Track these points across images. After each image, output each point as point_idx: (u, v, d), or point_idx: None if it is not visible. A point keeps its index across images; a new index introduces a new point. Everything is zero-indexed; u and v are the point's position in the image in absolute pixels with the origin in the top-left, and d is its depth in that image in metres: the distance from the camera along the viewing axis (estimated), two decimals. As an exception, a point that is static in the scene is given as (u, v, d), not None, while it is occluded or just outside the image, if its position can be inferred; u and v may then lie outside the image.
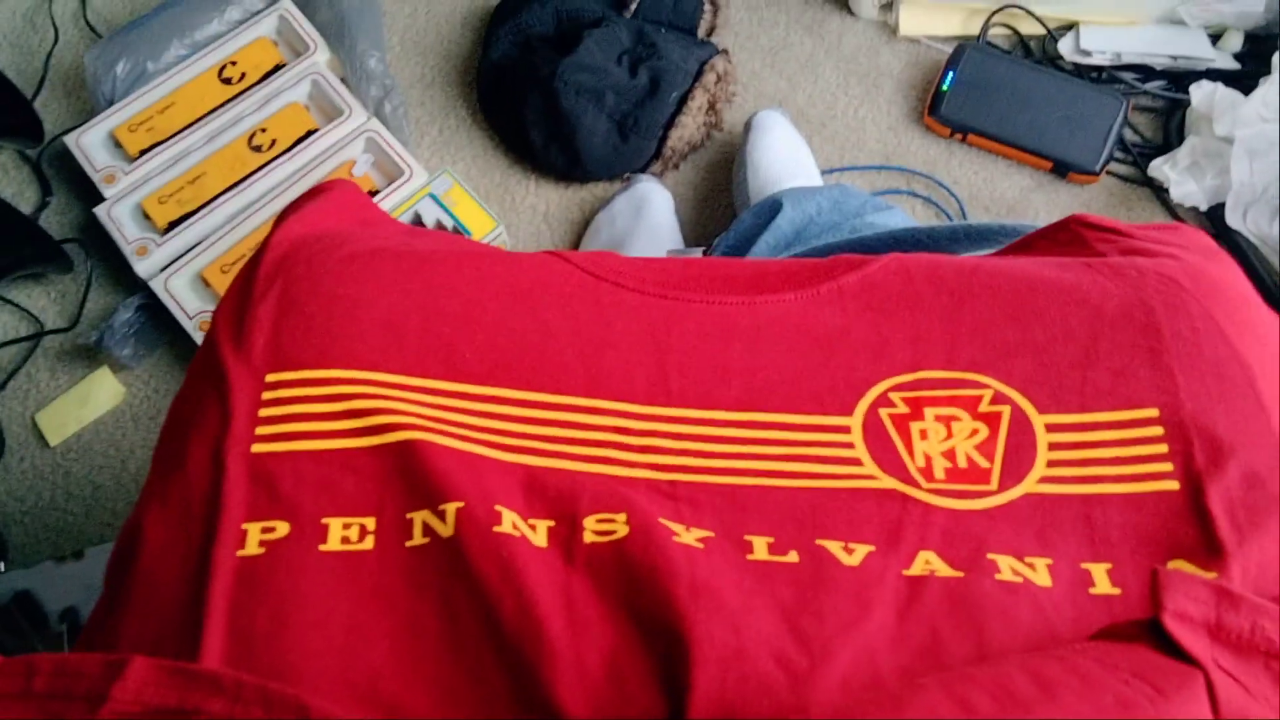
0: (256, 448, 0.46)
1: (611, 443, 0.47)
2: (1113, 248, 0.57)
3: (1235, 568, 0.42)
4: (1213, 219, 1.22)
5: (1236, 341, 0.49)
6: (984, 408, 0.49)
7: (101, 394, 1.21)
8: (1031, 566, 0.44)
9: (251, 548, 0.43)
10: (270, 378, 0.48)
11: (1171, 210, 1.24)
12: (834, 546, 0.44)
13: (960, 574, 0.43)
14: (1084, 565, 0.44)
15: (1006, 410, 0.48)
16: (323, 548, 0.42)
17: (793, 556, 0.43)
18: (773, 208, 0.98)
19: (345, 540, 0.43)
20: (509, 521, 0.42)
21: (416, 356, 0.49)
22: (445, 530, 0.42)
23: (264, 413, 0.47)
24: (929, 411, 0.49)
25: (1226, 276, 0.53)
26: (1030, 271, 0.54)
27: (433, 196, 1.22)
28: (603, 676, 0.39)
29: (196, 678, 0.37)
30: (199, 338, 1.16)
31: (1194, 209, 1.22)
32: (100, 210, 1.20)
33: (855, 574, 0.43)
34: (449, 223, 1.21)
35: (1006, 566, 0.43)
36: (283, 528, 0.43)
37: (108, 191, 1.21)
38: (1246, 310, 0.52)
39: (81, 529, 1.17)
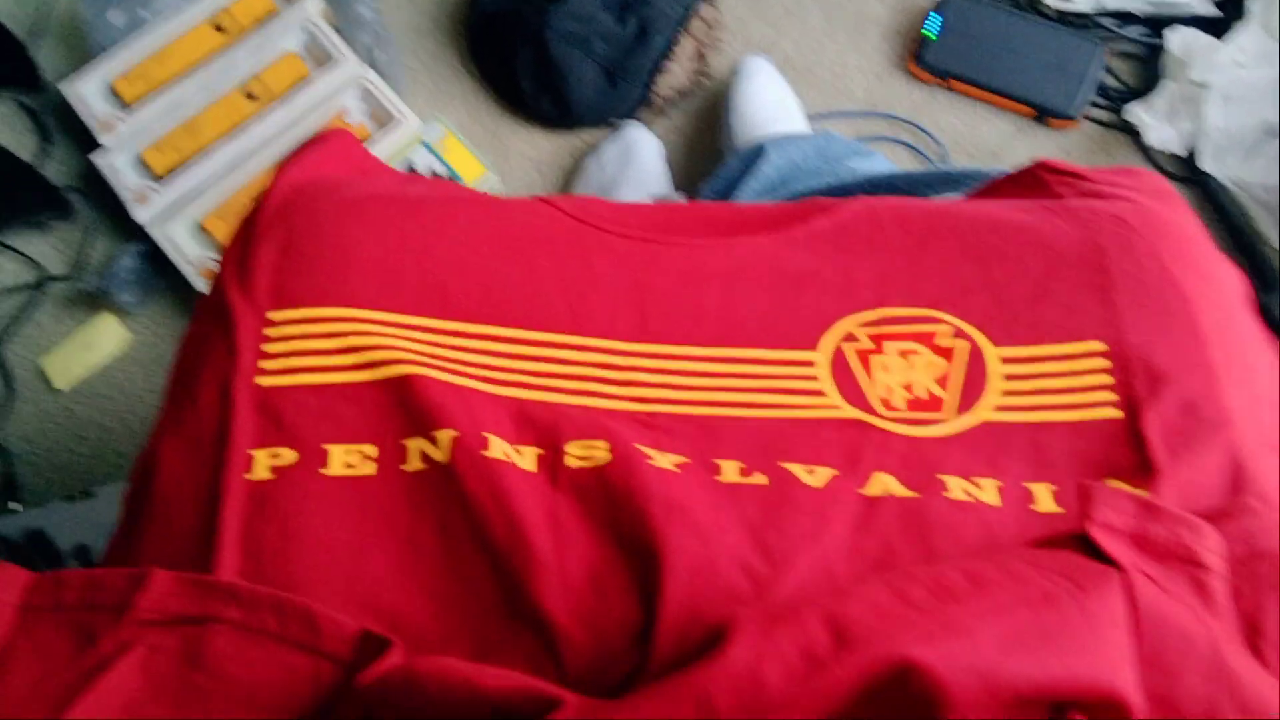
0: (261, 380, 0.49)
1: (596, 377, 0.51)
2: (1072, 191, 0.60)
3: (1166, 486, 0.46)
4: (1188, 163, 1.24)
5: (1180, 278, 0.52)
6: (942, 341, 0.52)
7: (106, 339, 1.24)
8: (980, 487, 0.47)
9: (260, 472, 0.46)
10: (272, 315, 0.51)
11: (1148, 155, 1.27)
12: (798, 469, 0.47)
13: (915, 494, 0.47)
14: (1027, 484, 0.47)
15: (963, 344, 0.52)
16: (325, 472, 0.46)
17: (760, 479, 0.47)
18: (758, 154, 1.00)
19: (348, 465, 0.46)
20: (499, 448, 0.46)
21: (411, 296, 0.53)
22: (440, 456, 0.46)
23: (267, 348, 0.50)
24: (890, 346, 0.52)
25: (1175, 217, 0.56)
26: (992, 214, 0.57)
27: (425, 144, 1.24)
28: (586, 586, 0.42)
29: (214, 588, 0.40)
30: (200, 284, 1.19)
31: (1170, 153, 1.25)
32: (98, 157, 1.23)
33: (817, 494, 0.46)
34: (442, 170, 1.23)
35: (957, 487, 0.47)
36: (289, 454, 0.47)
37: (106, 140, 1.23)
38: (1192, 248, 0.55)
39: (90, 469, 1.21)
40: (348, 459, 0.46)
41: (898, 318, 0.53)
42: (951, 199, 0.67)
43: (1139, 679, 0.33)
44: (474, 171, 1.23)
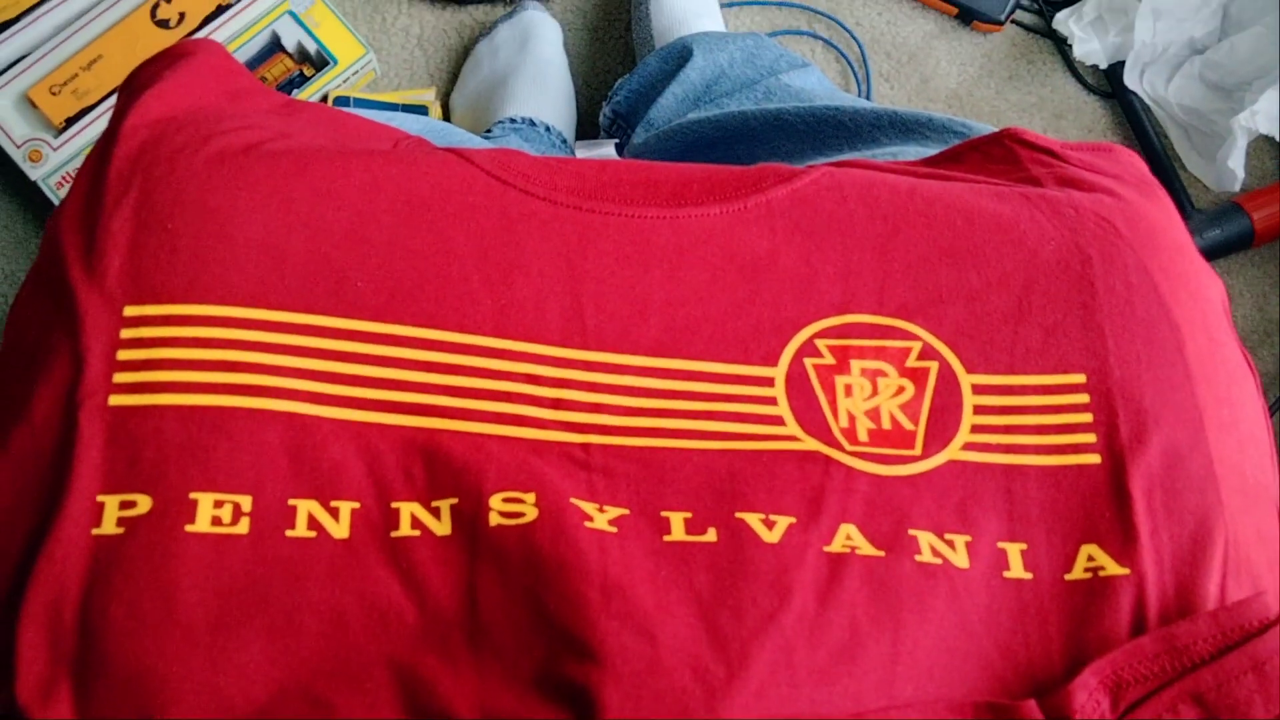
0: (115, 400, 0.40)
1: (522, 396, 0.43)
2: (1048, 173, 0.54)
3: (1147, 559, 0.42)
4: (1110, 77, 1.20)
5: (1169, 299, 0.48)
6: (911, 362, 0.46)
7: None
8: (951, 545, 0.43)
9: (109, 526, 0.38)
10: (130, 311, 0.42)
11: (1072, 67, 1.22)
12: (753, 520, 0.42)
13: (881, 553, 0.42)
14: (1001, 545, 0.43)
15: (934, 366, 0.46)
16: (189, 528, 0.38)
17: (711, 535, 0.41)
18: (682, 54, 0.92)
19: (216, 521, 0.38)
20: (407, 519, 0.39)
21: (300, 286, 0.44)
22: (338, 531, 0.38)
23: (123, 355, 0.41)
24: (855, 364, 0.46)
25: (1162, 219, 0.52)
26: (967, 201, 0.51)
27: (292, 14, 1.09)
28: (505, 686, 0.36)
29: None
30: (30, 169, 1.04)
31: (1094, 66, 1.21)
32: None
33: (775, 553, 0.41)
34: (311, 46, 1.09)
35: (926, 546, 0.42)
36: (144, 503, 0.38)
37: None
38: (1180, 261, 0.50)
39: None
40: (217, 512, 0.38)
41: (865, 327, 0.47)
42: (913, 164, 0.60)
43: None
44: (350, 51, 1.09)
